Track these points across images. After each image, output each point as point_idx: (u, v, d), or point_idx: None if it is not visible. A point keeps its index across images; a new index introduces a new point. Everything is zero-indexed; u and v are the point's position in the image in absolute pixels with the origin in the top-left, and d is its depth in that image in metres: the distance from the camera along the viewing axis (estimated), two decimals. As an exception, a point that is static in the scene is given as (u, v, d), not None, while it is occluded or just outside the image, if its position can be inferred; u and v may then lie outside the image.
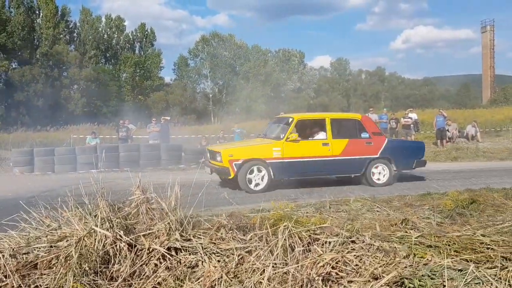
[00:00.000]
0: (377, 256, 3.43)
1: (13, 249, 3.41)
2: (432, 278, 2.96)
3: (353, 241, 3.73)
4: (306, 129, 9.62)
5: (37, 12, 46.62)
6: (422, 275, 3.00)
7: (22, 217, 3.87)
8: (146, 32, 55.48)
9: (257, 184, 8.82)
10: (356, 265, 3.32)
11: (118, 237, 3.39)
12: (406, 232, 4.05)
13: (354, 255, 3.42)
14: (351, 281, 3.14)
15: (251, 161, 8.82)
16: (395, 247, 3.62)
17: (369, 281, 3.09)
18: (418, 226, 4.35)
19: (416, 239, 3.77)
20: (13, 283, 2.92)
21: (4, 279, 3.00)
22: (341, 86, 61.24)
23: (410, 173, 10.30)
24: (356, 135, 9.50)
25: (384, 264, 3.30)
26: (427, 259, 3.31)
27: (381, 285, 2.97)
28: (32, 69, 40.30)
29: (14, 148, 15.89)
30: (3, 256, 3.26)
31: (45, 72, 41.10)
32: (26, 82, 39.50)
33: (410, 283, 2.93)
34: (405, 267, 3.22)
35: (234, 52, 55.00)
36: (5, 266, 3.10)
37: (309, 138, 9.47)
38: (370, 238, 3.75)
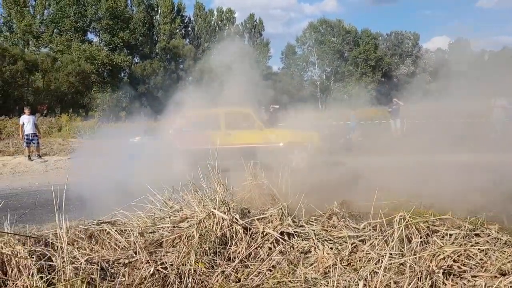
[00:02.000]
0: (505, 251, 3.16)
1: (141, 228, 3.74)
2: None
3: (477, 234, 3.48)
4: None
5: (156, 9, 50.17)
6: (561, 274, 2.69)
7: (148, 199, 4.22)
8: (255, 23, 56.69)
9: None
10: (481, 259, 3.09)
11: (234, 220, 3.55)
12: (540, 227, 3.65)
13: (479, 249, 3.18)
14: (475, 276, 2.93)
15: None
16: (526, 242, 3.29)
17: (496, 276, 2.85)
18: (555, 221, 3.89)
19: (552, 235, 3.39)
20: (142, 259, 3.21)
21: (134, 255, 3.31)
22: (461, 69, 56.57)
23: None
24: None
25: (514, 260, 3.02)
26: None
27: (510, 282, 2.73)
28: (152, 63, 43.58)
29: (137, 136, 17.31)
30: (133, 234, 3.60)
31: (164, 66, 44.18)
32: (147, 75, 42.84)
33: (546, 282, 2.64)
34: (539, 264, 2.91)
35: (342, 37, 53.74)
36: (135, 243, 3.42)
37: None
38: (497, 232, 3.46)
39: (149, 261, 3.19)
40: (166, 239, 3.53)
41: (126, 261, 3.24)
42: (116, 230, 3.68)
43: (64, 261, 3.02)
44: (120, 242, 3.55)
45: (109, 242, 3.57)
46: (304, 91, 52.09)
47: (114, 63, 41.43)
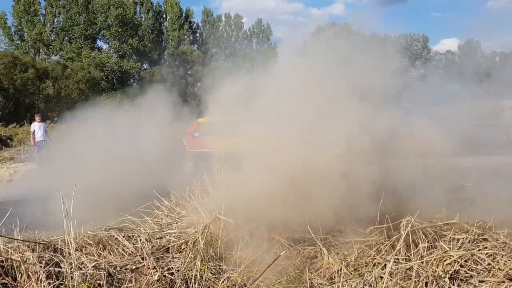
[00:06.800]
0: (514, 256, 3.12)
1: (148, 234, 3.76)
2: None
3: (485, 239, 3.44)
4: None
5: (164, 16, 50.52)
6: None
7: (155, 205, 4.27)
8: (263, 28, 56.76)
9: None
10: (489, 264, 3.06)
11: (240, 225, 3.56)
12: (550, 231, 3.60)
13: (486, 254, 3.15)
14: (483, 281, 2.90)
15: None
16: (535, 247, 3.25)
17: (503, 281, 2.83)
18: None
19: (562, 240, 3.34)
20: (149, 265, 3.22)
21: (141, 260, 3.33)
22: (472, 70, 56.15)
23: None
24: None
25: (522, 265, 2.98)
26: None
27: (518, 288, 2.70)
28: (161, 69, 43.78)
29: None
30: (140, 240, 3.62)
31: (172, 72, 44.33)
32: (156, 81, 43.00)
33: (554, 287, 2.61)
34: (548, 269, 2.88)
35: (350, 41, 53.65)
36: (142, 249, 3.44)
37: None
38: (505, 237, 3.41)
39: (156, 266, 3.20)
40: (173, 244, 3.54)
41: (133, 267, 3.26)
42: (123, 236, 3.70)
43: (72, 267, 3.05)
44: (127, 248, 3.56)
45: (116, 248, 3.58)
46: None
47: (123, 69, 41.76)
